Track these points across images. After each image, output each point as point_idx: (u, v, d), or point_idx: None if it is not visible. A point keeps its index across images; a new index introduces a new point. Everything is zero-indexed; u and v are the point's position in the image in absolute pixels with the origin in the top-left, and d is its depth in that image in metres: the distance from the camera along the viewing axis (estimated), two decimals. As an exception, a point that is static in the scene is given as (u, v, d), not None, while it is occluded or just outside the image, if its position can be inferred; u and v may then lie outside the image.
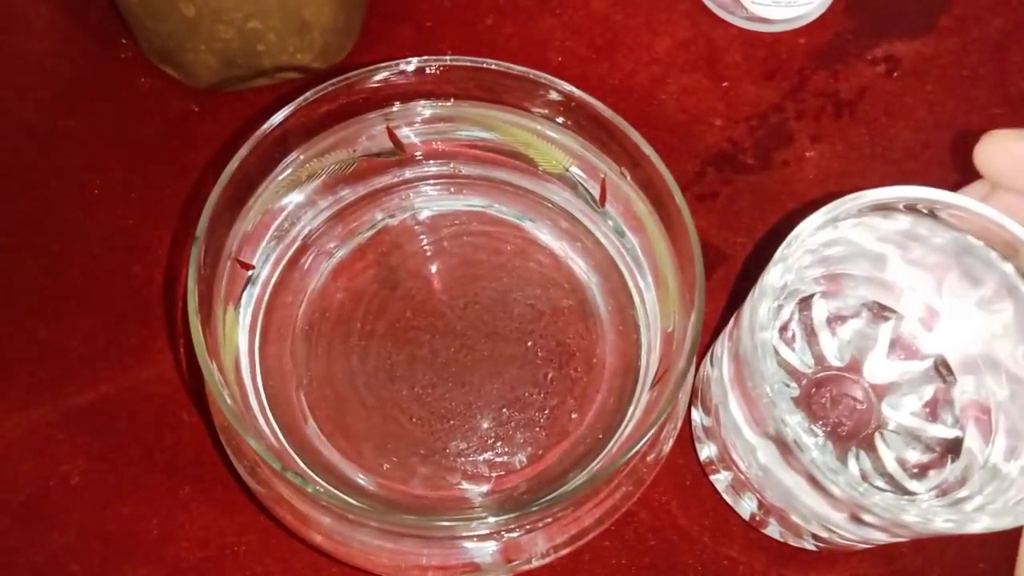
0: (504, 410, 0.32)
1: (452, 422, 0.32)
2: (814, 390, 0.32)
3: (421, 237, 0.35)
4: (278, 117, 0.29)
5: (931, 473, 0.30)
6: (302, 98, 0.30)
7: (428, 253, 0.35)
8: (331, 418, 0.32)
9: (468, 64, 0.31)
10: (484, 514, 0.26)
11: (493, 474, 0.31)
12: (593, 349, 0.33)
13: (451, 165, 0.34)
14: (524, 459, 0.31)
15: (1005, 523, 0.24)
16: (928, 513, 0.24)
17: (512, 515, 0.25)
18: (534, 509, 0.25)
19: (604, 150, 0.32)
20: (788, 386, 0.32)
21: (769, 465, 0.28)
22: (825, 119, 0.40)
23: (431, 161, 0.34)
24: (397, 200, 0.35)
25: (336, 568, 0.32)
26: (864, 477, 0.31)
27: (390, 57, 0.31)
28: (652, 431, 0.26)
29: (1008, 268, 0.28)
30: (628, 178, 0.31)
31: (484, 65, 0.31)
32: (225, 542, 0.32)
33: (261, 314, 0.32)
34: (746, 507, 0.32)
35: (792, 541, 0.31)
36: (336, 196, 0.34)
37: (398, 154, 0.34)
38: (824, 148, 0.39)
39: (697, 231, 0.28)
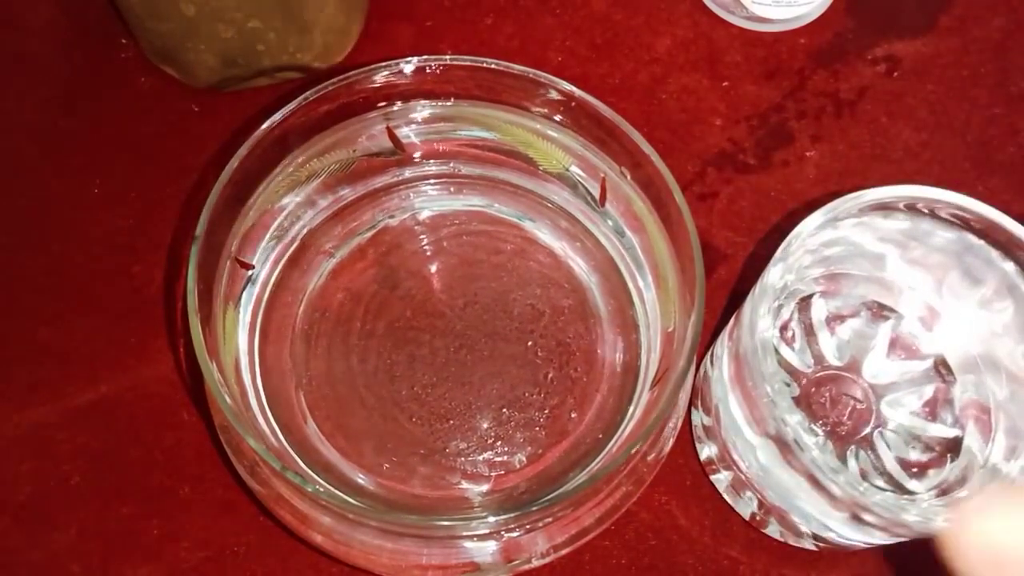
0: (504, 410, 0.32)
1: (452, 422, 0.32)
2: (814, 390, 0.32)
3: (421, 237, 0.35)
4: (278, 117, 0.29)
5: (931, 473, 0.30)
6: (302, 98, 0.30)
7: (428, 253, 0.35)
8: (331, 418, 0.32)
9: (468, 64, 0.31)
10: (484, 514, 0.26)
11: (493, 474, 0.31)
12: (593, 349, 0.33)
13: (451, 165, 0.34)
14: (524, 459, 0.31)
15: (1005, 523, 0.24)
16: (928, 513, 0.24)
17: (512, 515, 0.25)
18: (534, 509, 0.25)
19: (604, 150, 0.32)
20: (788, 386, 0.32)
21: (769, 465, 0.28)
22: (825, 119, 0.40)
23: (431, 161, 0.34)
24: (397, 200, 0.35)
25: (336, 568, 0.32)
26: (864, 476, 0.31)
27: (390, 57, 0.31)
28: (652, 431, 0.26)
29: (1008, 267, 0.28)
30: (628, 178, 0.31)
31: (484, 65, 0.31)
32: (225, 542, 0.32)
33: (261, 314, 0.32)
34: (746, 507, 0.32)
35: (792, 541, 0.31)
36: (336, 196, 0.34)
37: (398, 154, 0.34)
38: (824, 148, 0.39)
39: (697, 231, 0.28)
